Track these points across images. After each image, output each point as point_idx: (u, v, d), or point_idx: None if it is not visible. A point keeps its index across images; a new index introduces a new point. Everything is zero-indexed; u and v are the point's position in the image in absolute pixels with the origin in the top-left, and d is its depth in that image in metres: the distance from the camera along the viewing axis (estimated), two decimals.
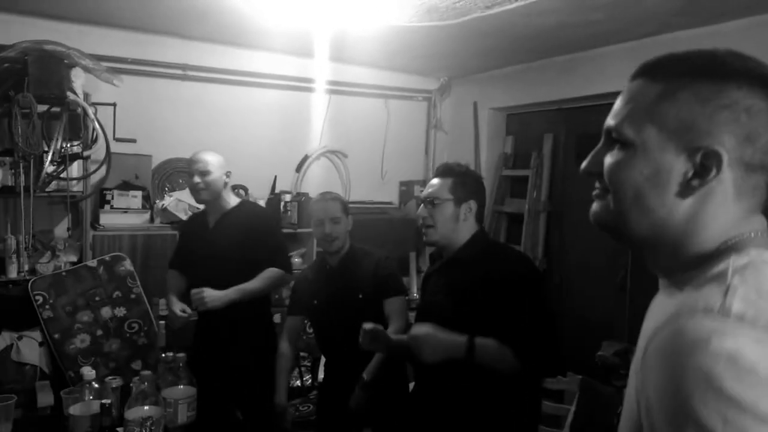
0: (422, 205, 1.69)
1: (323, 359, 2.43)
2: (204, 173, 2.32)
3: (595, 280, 3.45)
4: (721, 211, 0.65)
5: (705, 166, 0.64)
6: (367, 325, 1.68)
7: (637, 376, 0.64)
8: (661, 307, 0.73)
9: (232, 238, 2.33)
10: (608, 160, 0.72)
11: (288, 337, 2.31)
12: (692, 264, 0.67)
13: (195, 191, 2.37)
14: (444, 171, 1.71)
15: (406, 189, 4.25)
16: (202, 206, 2.54)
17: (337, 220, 2.18)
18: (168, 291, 2.47)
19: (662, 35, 2.87)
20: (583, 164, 0.76)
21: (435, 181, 1.70)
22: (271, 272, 2.33)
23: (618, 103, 0.72)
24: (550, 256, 3.71)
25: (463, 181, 1.67)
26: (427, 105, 4.39)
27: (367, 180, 4.12)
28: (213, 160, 2.36)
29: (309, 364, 3.23)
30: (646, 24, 2.73)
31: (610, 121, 0.72)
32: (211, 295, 2.18)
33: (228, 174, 2.43)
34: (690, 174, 0.65)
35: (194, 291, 2.19)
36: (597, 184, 0.75)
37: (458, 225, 1.64)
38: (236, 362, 2.33)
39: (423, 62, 3.84)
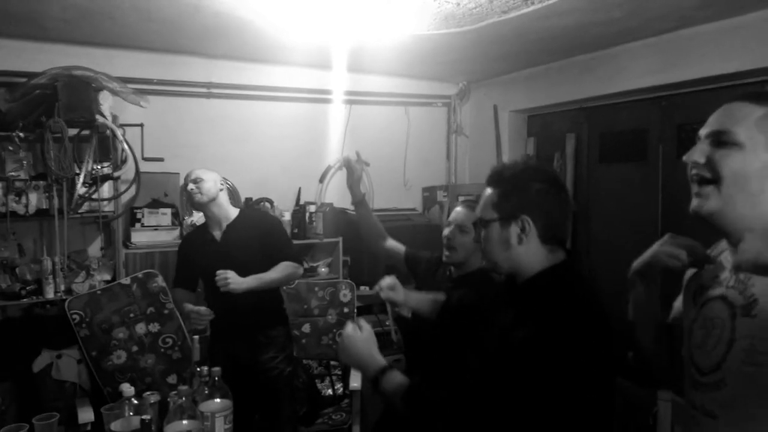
0: (449, 227, 1.53)
1: None
2: (197, 180, 2.43)
3: (624, 279, 3.38)
4: None
5: None
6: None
7: None
8: None
9: (243, 245, 2.42)
10: (717, 155, 0.94)
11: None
12: None
13: (191, 197, 2.45)
14: (491, 177, 1.28)
15: (429, 195, 4.25)
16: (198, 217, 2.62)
17: (465, 229, 1.98)
18: (182, 305, 2.52)
19: (683, 30, 2.83)
20: (688, 155, 0.98)
21: (484, 192, 1.28)
22: (285, 265, 2.44)
23: (720, 116, 0.97)
24: (578, 257, 3.67)
25: (512, 189, 1.22)
26: (447, 110, 4.39)
27: (390, 187, 4.14)
28: (206, 173, 2.48)
29: (340, 372, 3.25)
30: (666, 19, 2.69)
31: (719, 126, 0.95)
32: (235, 279, 2.28)
33: (222, 185, 2.52)
34: None
35: (219, 272, 2.28)
36: (698, 184, 0.97)
37: (512, 252, 1.21)
38: (255, 366, 2.43)
39: (441, 68, 3.85)
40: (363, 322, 1.41)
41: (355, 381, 2.69)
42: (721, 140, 0.94)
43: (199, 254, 2.52)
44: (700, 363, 1.01)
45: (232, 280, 2.27)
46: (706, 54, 2.74)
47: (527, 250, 1.21)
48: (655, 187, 3.21)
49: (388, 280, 1.75)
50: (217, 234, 2.50)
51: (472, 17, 2.61)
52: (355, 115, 3.99)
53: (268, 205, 3.55)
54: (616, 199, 3.48)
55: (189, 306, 2.35)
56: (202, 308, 2.32)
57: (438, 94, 4.30)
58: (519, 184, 1.22)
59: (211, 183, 2.45)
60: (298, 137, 3.80)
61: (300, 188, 3.77)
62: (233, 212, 2.53)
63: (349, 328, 1.38)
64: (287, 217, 3.53)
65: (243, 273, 2.33)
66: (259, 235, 2.46)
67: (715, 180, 0.94)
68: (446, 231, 2.04)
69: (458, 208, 2.10)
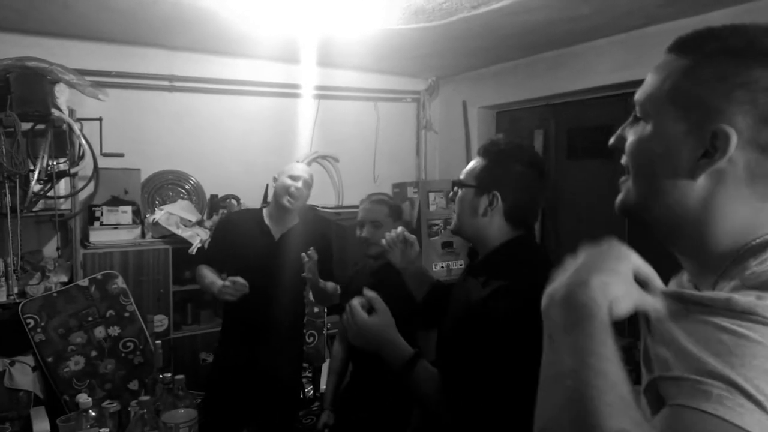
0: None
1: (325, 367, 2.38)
2: (298, 179, 2.32)
3: None
4: (735, 195, 0.62)
5: (714, 146, 0.60)
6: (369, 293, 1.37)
7: None
8: None
9: (300, 252, 2.22)
10: (630, 136, 0.70)
11: (339, 338, 2.27)
12: (721, 264, 0.63)
13: (284, 195, 2.31)
14: (481, 148, 1.34)
15: (400, 191, 4.22)
16: (193, 219, 2.49)
17: (378, 224, 2.05)
18: (205, 278, 2.29)
19: (649, 27, 2.87)
20: (611, 140, 0.74)
21: (472, 161, 1.35)
22: (334, 287, 2.33)
23: (647, 78, 0.70)
24: (532, 232, 3.70)
25: (494, 164, 1.28)
26: (417, 106, 4.37)
27: (360, 184, 4.08)
28: (308, 174, 2.38)
29: (310, 374, 3.19)
30: (632, 17, 2.72)
31: (636, 96, 0.70)
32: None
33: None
34: (699, 153, 0.62)
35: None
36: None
37: (477, 220, 1.28)
38: (276, 373, 2.32)
39: (411, 63, 3.82)
40: (372, 294, 1.32)
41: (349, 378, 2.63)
42: (635, 115, 0.76)
43: (248, 243, 2.33)
44: None
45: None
46: None
47: (490, 223, 1.28)
48: None
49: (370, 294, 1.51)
50: (275, 230, 2.36)
51: (441, 12, 2.59)
52: (324, 110, 3.92)
53: (234, 202, 3.46)
54: (583, 194, 3.52)
55: (219, 280, 2.15)
56: (239, 278, 2.07)
57: (407, 89, 4.28)
58: (501, 161, 1.28)
59: (308, 190, 2.36)
60: (266, 132, 3.72)
61: (267, 185, 3.68)
62: (296, 215, 2.44)
63: (357, 307, 1.29)
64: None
65: (289, 279, 2.27)
66: (316, 248, 2.25)
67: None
68: (363, 233, 2.06)
69: (365, 206, 2.12)
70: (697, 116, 0.62)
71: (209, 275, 2.31)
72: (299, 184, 2.31)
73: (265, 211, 2.43)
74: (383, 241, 1.56)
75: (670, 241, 0.71)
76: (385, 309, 1.31)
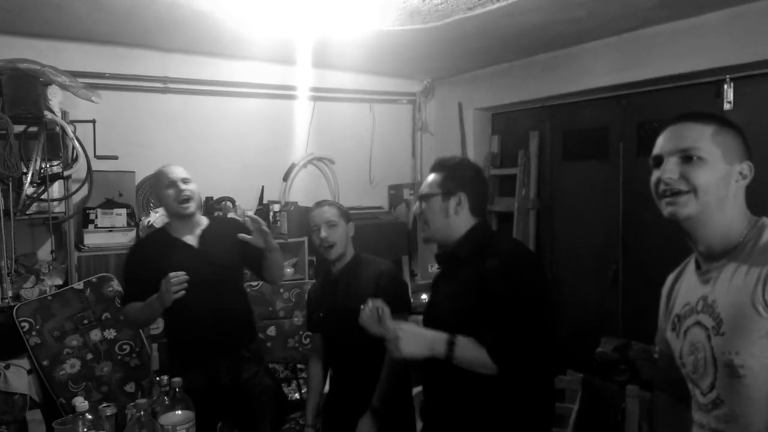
0: (418, 202, 1.67)
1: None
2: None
3: (587, 276, 3.46)
4: (743, 199, 1.11)
5: (742, 174, 1.10)
6: (377, 302, 1.53)
7: (763, 284, 1.00)
8: (729, 276, 1.07)
9: (221, 248, 2.17)
10: (688, 169, 1.09)
11: (316, 355, 2.22)
12: (738, 241, 1.08)
13: (180, 202, 2.14)
14: (435, 165, 1.67)
15: (395, 193, 4.22)
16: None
17: (333, 224, 2.09)
18: (142, 305, 2.08)
19: (643, 29, 2.89)
20: (667, 174, 1.10)
21: (429, 177, 1.66)
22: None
23: (676, 136, 1.12)
24: (541, 254, 3.71)
25: (453, 174, 1.61)
26: (412, 108, 4.37)
27: (356, 185, 4.09)
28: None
29: (305, 376, 3.18)
30: (626, 19, 2.74)
31: (683, 145, 1.10)
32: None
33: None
34: (738, 176, 1.09)
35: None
36: (671, 194, 1.09)
37: (449, 220, 1.58)
38: (240, 385, 2.18)
39: (406, 65, 3.82)
40: (381, 303, 1.52)
41: (328, 386, 2.63)
42: (689, 156, 1.10)
43: (165, 264, 2.06)
44: (700, 385, 1.11)
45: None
46: (665, 53, 2.80)
47: (459, 219, 1.59)
48: (616, 184, 3.27)
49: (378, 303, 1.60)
50: (189, 240, 2.20)
51: (437, 14, 2.59)
52: (320, 112, 3.92)
53: (230, 204, 3.45)
54: (578, 196, 3.53)
55: (163, 286, 1.93)
56: (174, 273, 1.92)
57: (403, 91, 4.28)
58: (459, 169, 1.64)
59: (194, 183, 2.19)
60: (261, 134, 3.71)
61: (263, 187, 3.68)
62: (203, 218, 2.29)
63: (369, 315, 1.51)
64: (250, 213, 3.44)
65: (222, 278, 2.16)
66: (234, 238, 2.15)
67: (690, 190, 1.09)
68: (320, 234, 2.07)
69: (316, 210, 2.14)
70: (732, 156, 1.09)
71: (139, 303, 2.11)
72: (183, 185, 2.13)
73: (168, 227, 2.26)
74: (361, 319, 1.57)
75: (709, 234, 1.10)
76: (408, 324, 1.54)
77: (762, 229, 1.08)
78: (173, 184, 2.14)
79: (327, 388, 2.23)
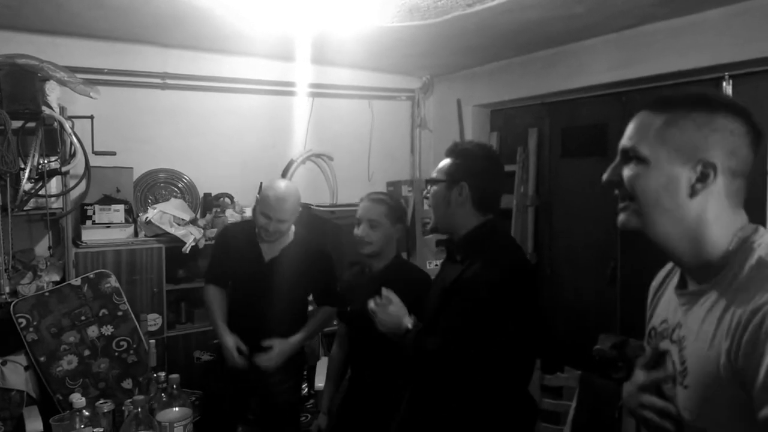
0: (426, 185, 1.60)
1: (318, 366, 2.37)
2: (276, 219, 2.15)
3: (585, 273, 3.46)
4: (719, 207, 0.86)
5: (704, 174, 0.85)
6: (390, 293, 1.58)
7: (731, 340, 0.77)
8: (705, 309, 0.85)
9: (291, 276, 2.18)
10: (627, 173, 0.90)
11: (338, 342, 2.22)
12: (719, 262, 0.85)
13: (265, 232, 2.18)
14: (449, 149, 1.57)
15: (394, 189, 4.21)
16: (187, 217, 2.42)
17: (375, 224, 1.99)
18: (215, 318, 2.24)
19: (643, 26, 2.88)
20: (604, 176, 0.93)
21: (442, 161, 1.57)
22: (325, 311, 2.31)
23: (630, 129, 0.91)
24: (540, 250, 3.71)
25: (460, 161, 1.51)
26: (411, 104, 4.37)
27: (355, 182, 4.08)
28: (285, 209, 2.16)
29: (305, 373, 3.18)
30: (626, 16, 2.73)
31: (626, 142, 0.90)
32: (280, 351, 2.15)
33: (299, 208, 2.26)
34: (694, 180, 0.85)
35: (262, 356, 2.12)
36: (620, 199, 0.92)
37: (450, 210, 1.50)
38: (265, 389, 2.25)
39: (405, 61, 3.81)
40: (390, 293, 1.57)
41: (321, 381, 2.64)
42: (628, 156, 0.89)
43: (239, 260, 2.24)
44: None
45: (276, 355, 2.14)
46: (665, 50, 2.79)
47: (462, 212, 1.49)
48: None
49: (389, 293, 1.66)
50: (266, 252, 2.24)
51: (436, 10, 2.58)
52: (319, 108, 3.91)
53: (228, 200, 3.44)
54: (577, 193, 3.53)
55: (224, 342, 2.17)
56: (236, 351, 2.13)
57: (402, 87, 4.27)
58: (466, 156, 1.52)
59: (290, 213, 2.18)
60: (260, 130, 3.71)
61: (261, 183, 3.67)
62: (291, 236, 2.27)
63: (373, 303, 1.57)
64: (248, 213, 3.43)
65: (281, 301, 2.18)
66: (311, 271, 2.23)
67: (631, 198, 0.89)
68: (358, 230, 2.02)
69: (365, 204, 2.07)
70: (688, 154, 0.85)
71: (216, 310, 2.27)
72: (272, 225, 2.15)
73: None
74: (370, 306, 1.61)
75: (671, 250, 0.90)
76: (398, 301, 1.57)
77: (749, 250, 0.83)
78: (268, 218, 2.16)
79: (318, 384, 2.22)
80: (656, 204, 0.87)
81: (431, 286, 1.70)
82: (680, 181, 0.85)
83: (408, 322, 1.52)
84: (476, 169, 1.50)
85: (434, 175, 1.55)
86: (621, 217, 0.92)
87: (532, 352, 1.53)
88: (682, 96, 0.89)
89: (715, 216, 0.85)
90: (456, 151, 1.54)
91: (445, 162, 1.54)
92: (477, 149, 1.55)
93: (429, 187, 1.56)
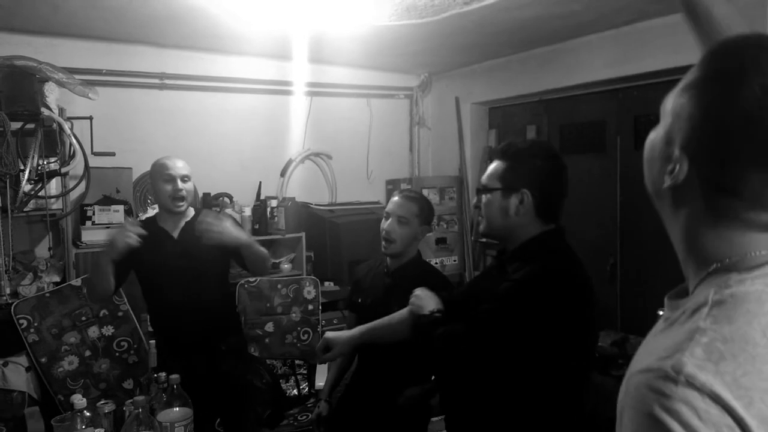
0: (477, 194, 1.42)
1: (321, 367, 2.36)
2: (184, 178, 2.16)
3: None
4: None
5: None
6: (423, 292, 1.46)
7: (622, 391, 0.61)
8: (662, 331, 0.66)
9: (202, 244, 2.07)
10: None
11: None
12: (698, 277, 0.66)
13: (175, 196, 2.15)
14: (499, 150, 1.38)
15: (393, 188, 4.22)
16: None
17: (404, 221, 1.95)
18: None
19: (638, 23, 2.88)
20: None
21: (491, 165, 1.37)
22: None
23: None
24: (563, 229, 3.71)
25: (517, 165, 1.31)
26: (409, 102, 4.37)
27: (353, 181, 4.09)
28: (184, 165, 2.19)
29: (305, 371, 3.19)
30: (622, 13, 2.73)
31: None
32: (221, 226, 1.98)
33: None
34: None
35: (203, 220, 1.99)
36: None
37: (509, 221, 1.31)
38: (215, 378, 2.16)
39: (403, 60, 3.81)
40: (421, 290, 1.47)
41: (321, 380, 2.64)
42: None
43: (150, 252, 2.10)
44: None
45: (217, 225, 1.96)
46: (661, 47, 2.79)
47: (522, 221, 1.31)
48: (614, 177, 3.27)
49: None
50: (172, 230, 2.19)
51: (433, 8, 2.59)
52: (317, 107, 3.91)
53: (227, 200, 3.45)
54: (575, 189, 3.48)
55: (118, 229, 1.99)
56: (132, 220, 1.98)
57: (400, 85, 4.27)
58: (523, 159, 1.31)
59: (192, 182, 2.19)
60: (258, 130, 3.71)
61: (260, 182, 3.68)
62: (191, 209, 2.27)
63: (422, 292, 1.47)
64: (248, 212, 3.44)
65: (204, 273, 2.15)
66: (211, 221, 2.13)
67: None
68: (385, 224, 1.99)
69: (396, 199, 2.03)
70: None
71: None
72: (179, 184, 2.12)
73: (158, 216, 2.25)
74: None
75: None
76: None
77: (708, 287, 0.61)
78: (172, 180, 2.14)
79: (319, 383, 2.21)
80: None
81: (477, 286, 1.59)
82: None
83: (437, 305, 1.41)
84: (536, 173, 1.30)
85: (485, 181, 1.35)
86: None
87: (578, 366, 1.33)
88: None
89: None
90: (509, 153, 1.33)
91: (498, 166, 1.34)
92: (536, 149, 1.36)
93: (480, 197, 1.37)
